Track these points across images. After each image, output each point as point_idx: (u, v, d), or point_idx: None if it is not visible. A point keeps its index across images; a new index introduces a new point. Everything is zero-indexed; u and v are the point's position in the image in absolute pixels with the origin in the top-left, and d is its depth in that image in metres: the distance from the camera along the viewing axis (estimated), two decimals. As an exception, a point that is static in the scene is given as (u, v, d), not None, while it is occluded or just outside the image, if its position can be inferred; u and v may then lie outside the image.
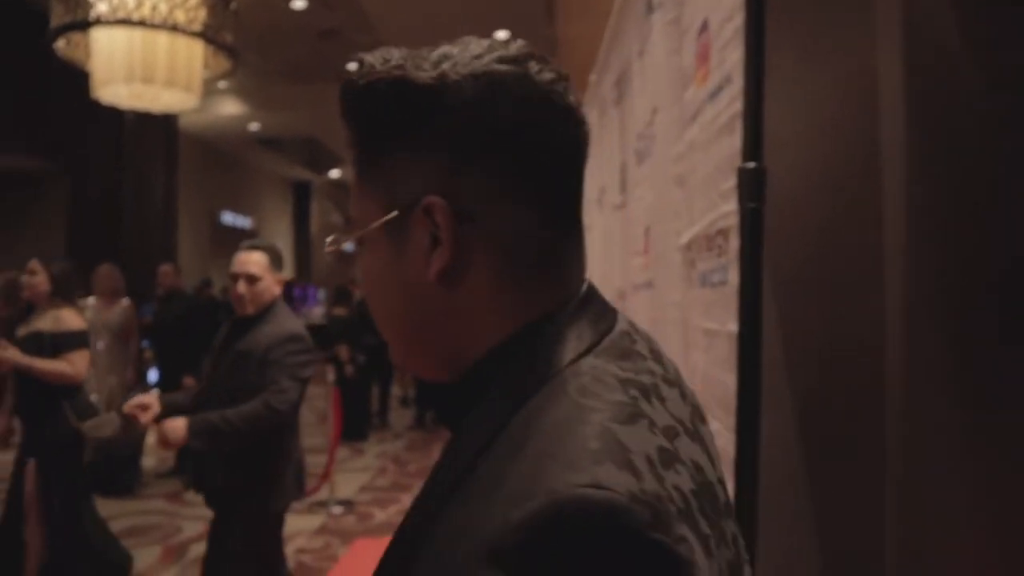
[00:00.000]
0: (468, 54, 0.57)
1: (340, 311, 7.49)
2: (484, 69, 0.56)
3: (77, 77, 7.54)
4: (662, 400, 0.54)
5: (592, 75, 3.46)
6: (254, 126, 14.24)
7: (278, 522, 2.74)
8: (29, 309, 3.38)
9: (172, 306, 6.18)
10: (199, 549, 4.23)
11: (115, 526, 4.60)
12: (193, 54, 7.24)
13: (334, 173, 19.19)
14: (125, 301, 5.62)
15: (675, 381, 0.60)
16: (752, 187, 1.06)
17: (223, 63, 8.46)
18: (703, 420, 0.63)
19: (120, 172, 11.48)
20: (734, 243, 1.20)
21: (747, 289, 1.08)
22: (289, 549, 4.22)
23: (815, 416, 1.31)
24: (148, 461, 5.83)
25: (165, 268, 6.40)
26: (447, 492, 0.51)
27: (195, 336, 5.70)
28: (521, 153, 0.56)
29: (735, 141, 1.16)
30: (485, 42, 0.59)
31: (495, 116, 0.55)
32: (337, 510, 4.96)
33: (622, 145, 2.63)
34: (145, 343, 10.80)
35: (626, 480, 0.43)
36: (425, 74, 0.56)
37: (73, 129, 10.95)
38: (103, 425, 2.46)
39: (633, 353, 0.57)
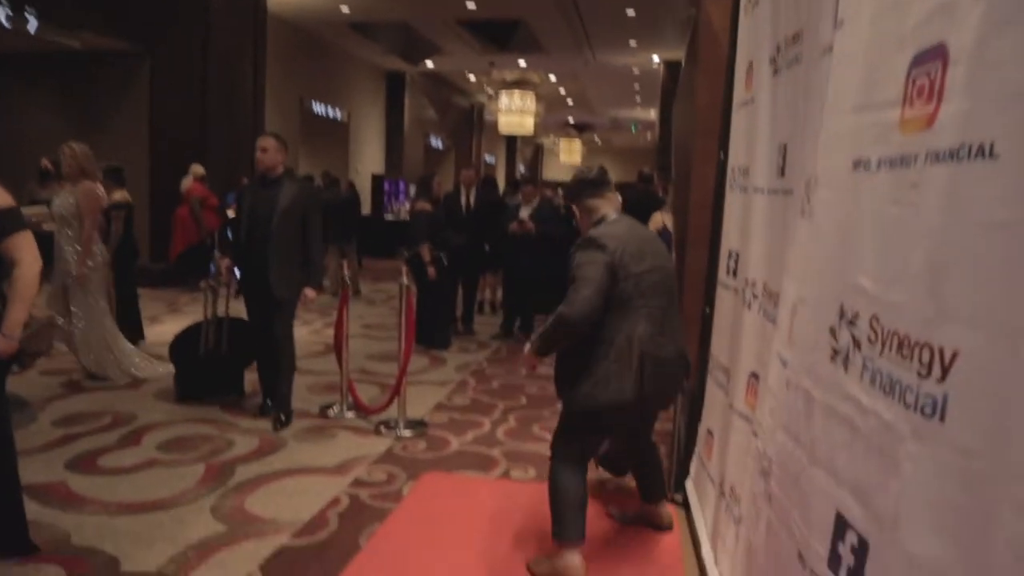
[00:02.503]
0: (577, 172, 2.96)
1: (423, 205, 6.72)
2: (576, 175, 2.93)
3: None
4: (623, 234, 2.66)
5: None
6: (345, 8, 13.33)
7: None
8: None
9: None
10: (248, 473, 3.69)
11: (160, 436, 4.13)
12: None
13: (428, 64, 18.19)
14: (85, 184, 5.04)
15: (632, 232, 2.73)
16: None
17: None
18: (652, 245, 2.77)
19: (206, 55, 10.85)
20: None
21: None
22: (346, 481, 3.61)
23: None
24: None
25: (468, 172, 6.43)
26: None
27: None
28: (585, 190, 2.83)
29: None
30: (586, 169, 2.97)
31: (578, 184, 2.87)
32: (406, 433, 4.33)
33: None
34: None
35: (598, 230, 2.68)
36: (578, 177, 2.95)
37: (157, 8, 10.34)
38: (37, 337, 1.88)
39: (614, 225, 2.71)
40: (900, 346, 1.05)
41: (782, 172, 2.17)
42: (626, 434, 3.07)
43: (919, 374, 1.00)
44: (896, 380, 1.05)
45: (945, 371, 0.96)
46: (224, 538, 2.99)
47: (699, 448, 3.21)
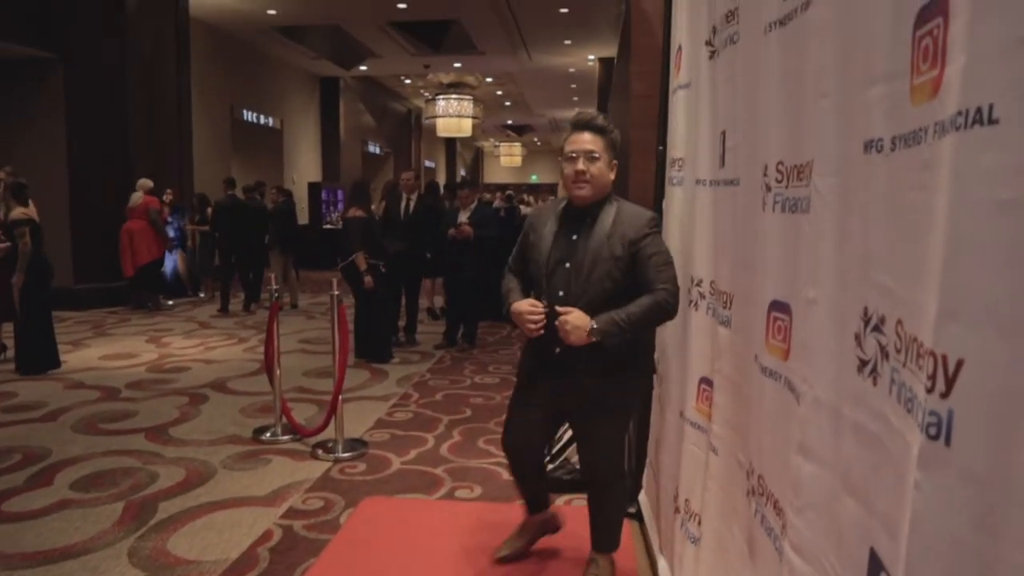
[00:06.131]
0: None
1: (356, 212, 6.44)
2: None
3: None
4: None
5: None
6: (272, 11, 12.92)
7: None
8: None
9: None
10: (172, 508, 3.39)
11: (75, 473, 3.78)
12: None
13: (363, 68, 17.83)
14: None
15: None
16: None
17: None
18: None
19: (124, 61, 10.31)
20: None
21: None
22: (279, 511, 3.34)
23: None
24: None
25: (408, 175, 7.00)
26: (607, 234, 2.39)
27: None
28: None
29: None
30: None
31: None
32: (344, 454, 4.08)
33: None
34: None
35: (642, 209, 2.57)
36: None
37: (64, 11, 9.77)
38: None
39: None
40: (918, 355, 0.88)
41: (723, 162, 2.01)
42: None
43: (926, 388, 0.83)
44: (913, 395, 0.88)
45: (950, 383, 0.79)
46: (141, 586, 2.71)
47: (650, 457, 3.05)
